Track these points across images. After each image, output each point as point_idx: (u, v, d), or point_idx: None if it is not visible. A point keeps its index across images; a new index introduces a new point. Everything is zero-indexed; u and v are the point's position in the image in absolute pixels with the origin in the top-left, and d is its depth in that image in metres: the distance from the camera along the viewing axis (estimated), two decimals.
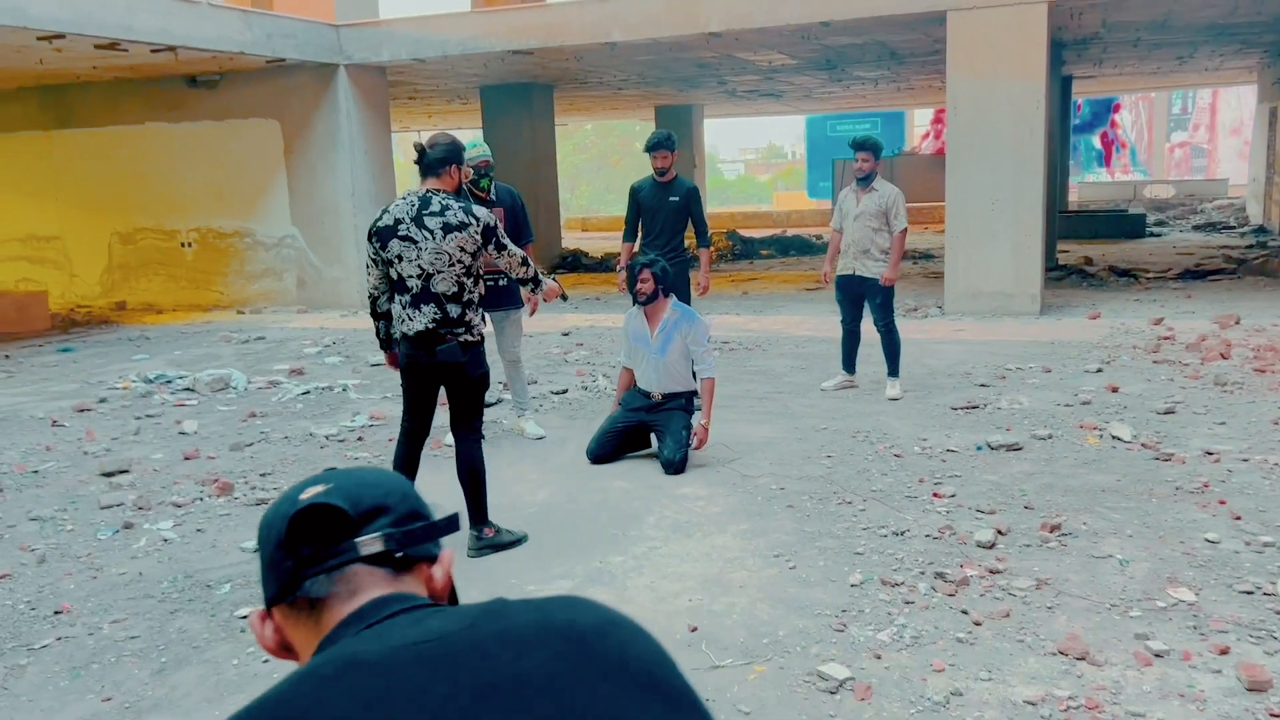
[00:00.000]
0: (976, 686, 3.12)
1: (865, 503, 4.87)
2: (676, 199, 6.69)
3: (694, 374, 5.78)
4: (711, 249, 6.94)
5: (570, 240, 23.01)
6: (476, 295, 4.15)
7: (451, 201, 4.05)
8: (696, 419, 5.68)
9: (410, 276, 4.07)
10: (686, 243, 6.98)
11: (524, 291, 5.83)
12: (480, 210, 4.09)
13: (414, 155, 4.10)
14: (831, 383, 7.25)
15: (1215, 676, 3.13)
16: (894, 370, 7.02)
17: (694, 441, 5.56)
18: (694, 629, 3.57)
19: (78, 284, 14.69)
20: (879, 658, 3.32)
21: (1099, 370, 7.57)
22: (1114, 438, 5.77)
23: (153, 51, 10.61)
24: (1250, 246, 16.25)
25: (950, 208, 10.46)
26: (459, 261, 4.03)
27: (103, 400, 7.86)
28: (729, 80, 18.39)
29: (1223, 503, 4.65)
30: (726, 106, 26.37)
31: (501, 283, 5.99)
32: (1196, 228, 21.11)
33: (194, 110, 13.52)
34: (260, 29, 11.39)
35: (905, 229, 6.75)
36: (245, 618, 3.81)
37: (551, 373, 8.43)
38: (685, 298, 6.90)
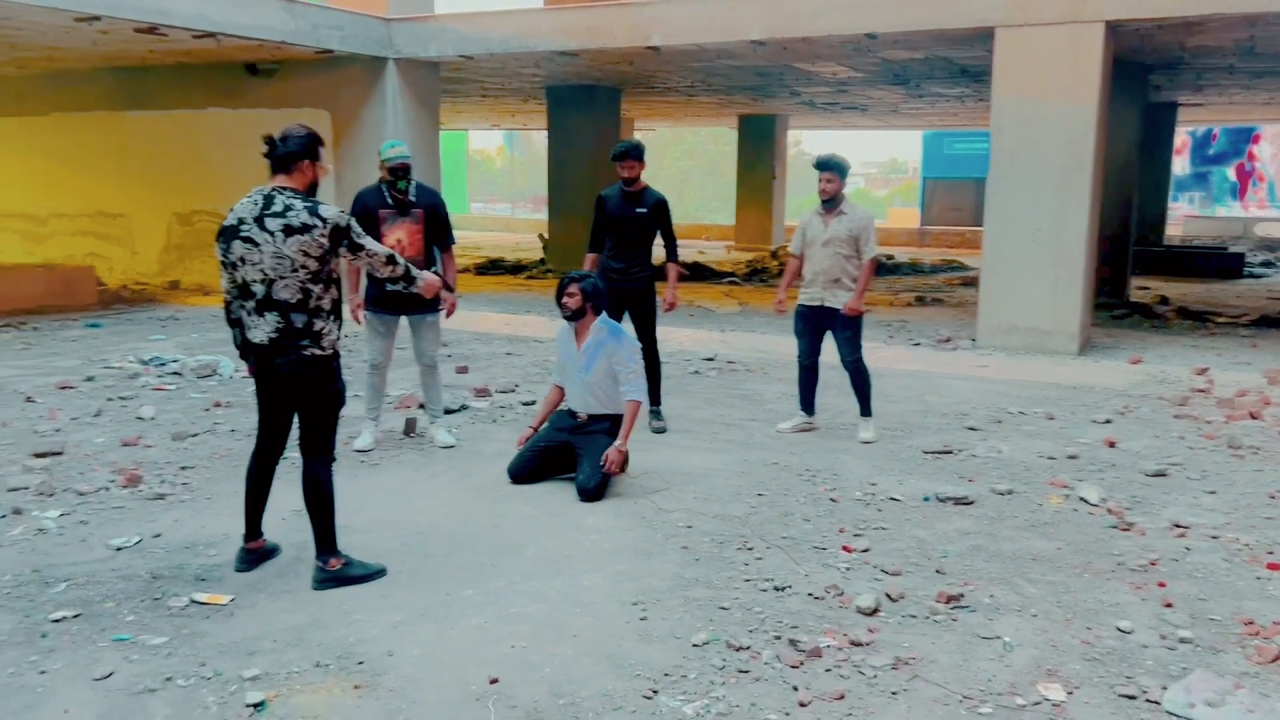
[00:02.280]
0: None
1: (768, 550, 4.49)
2: (644, 210, 6.39)
3: None
4: (679, 264, 6.55)
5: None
6: (327, 302, 3.88)
7: (296, 201, 3.80)
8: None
9: (253, 281, 3.84)
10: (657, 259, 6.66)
11: (441, 293, 5.63)
12: (329, 210, 3.83)
13: (265, 149, 3.88)
14: (788, 424, 6.71)
15: None
16: (866, 409, 6.46)
17: (604, 464, 5.23)
18: (494, 681, 3.28)
19: (139, 261, 15.13)
20: None
21: (1107, 421, 6.96)
22: (1081, 499, 5.24)
23: (194, 37, 10.78)
24: None
25: (988, 236, 9.85)
26: (302, 267, 3.78)
27: (89, 379, 7.96)
28: (801, 91, 17.92)
29: (1162, 585, 4.13)
30: (814, 119, 25.80)
31: (411, 290, 5.75)
32: None
33: (252, 98, 13.76)
34: (305, 19, 11.48)
35: (875, 256, 6.25)
36: (57, 621, 3.67)
37: (537, 381, 8.20)
38: (651, 313, 6.62)
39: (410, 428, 6.37)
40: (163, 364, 8.44)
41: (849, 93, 17.78)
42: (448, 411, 6.84)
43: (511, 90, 17.88)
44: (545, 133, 19.48)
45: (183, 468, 5.64)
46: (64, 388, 7.65)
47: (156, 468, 5.61)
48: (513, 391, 7.79)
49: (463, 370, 8.54)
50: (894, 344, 10.35)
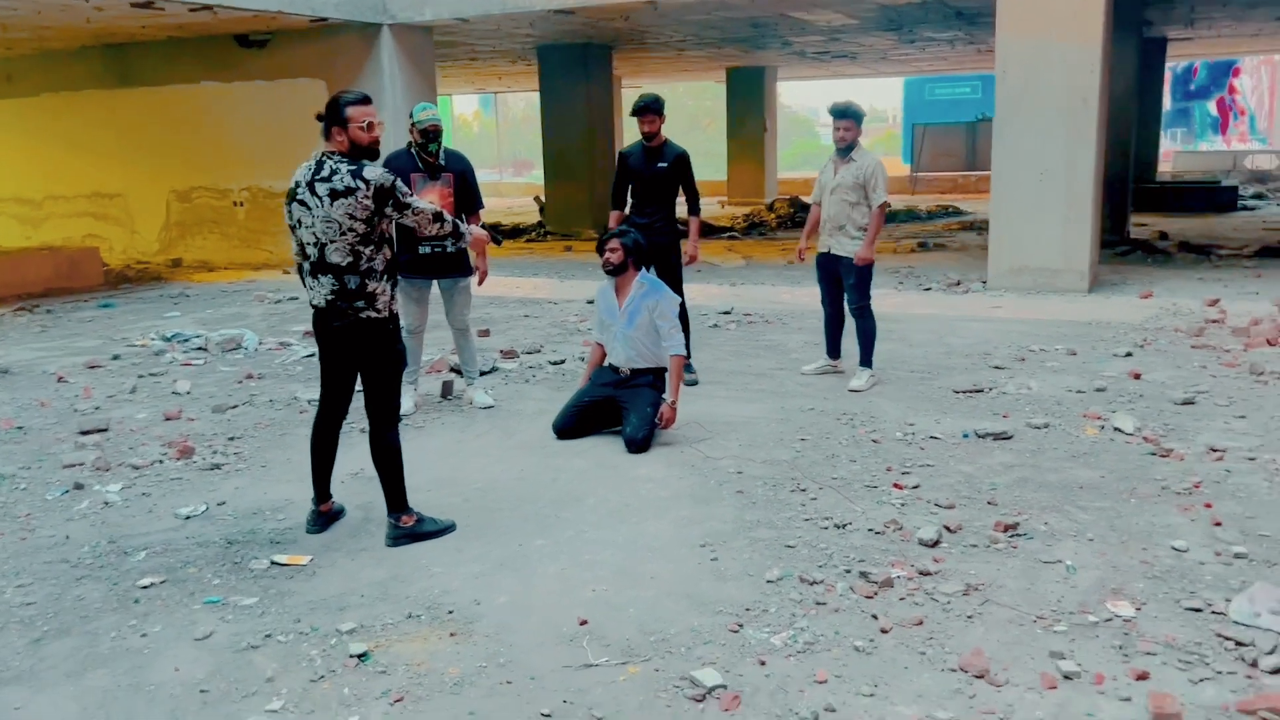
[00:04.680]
0: (854, 702, 2.88)
1: (820, 491, 4.61)
2: (665, 165, 6.43)
3: None
4: (700, 217, 6.60)
5: None
6: (380, 263, 3.93)
7: (341, 165, 3.84)
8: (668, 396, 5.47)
9: (308, 244, 3.91)
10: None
11: (473, 258, 5.68)
12: (373, 171, 3.86)
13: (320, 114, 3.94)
14: (812, 366, 6.85)
15: (1122, 705, 2.83)
16: (866, 360, 6.50)
17: (660, 421, 5.35)
18: (584, 622, 3.39)
19: (138, 241, 15.07)
20: (763, 664, 3.10)
21: (1128, 355, 7.09)
22: (1115, 429, 5.37)
23: (191, 10, 10.68)
24: None
25: (996, 178, 9.92)
26: (350, 230, 3.83)
27: (115, 357, 8.00)
28: (793, 41, 17.86)
29: (1208, 506, 4.27)
30: (802, 69, 25.69)
31: (449, 249, 5.81)
32: None
33: (246, 70, 13.66)
34: None
35: (885, 203, 6.29)
36: (146, 588, 3.77)
37: (560, 341, 8.28)
38: (677, 267, 6.68)
39: (448, 390, 6.45)
40: (186, 340, 8.47)
41: (841, 41, 17.73)
42: (481, 374, 6.91)
43: (502, 52, 17.77)
44: (524, 95, 19.40)
45: (230, 438, 5.71)
46: (92, 367, 7.68)
47: (205, 439, 5.69)
48: (538, 352, 7.87)
49: (484, 334, 8.60)
50: (905, 290, 10.45)
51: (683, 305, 6.73)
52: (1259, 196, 20.87)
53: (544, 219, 18.75)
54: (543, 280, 12.24)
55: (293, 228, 3.96)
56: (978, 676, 2.99)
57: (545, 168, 18.31)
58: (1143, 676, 2.96)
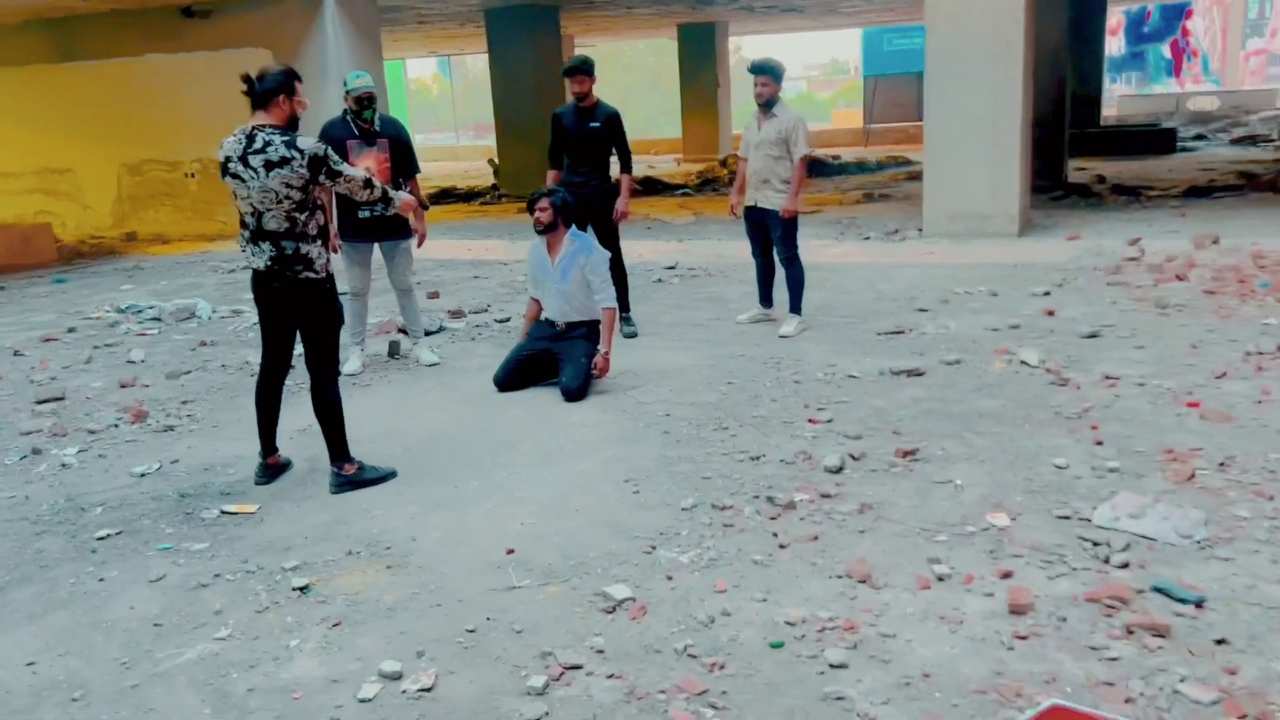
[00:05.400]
0: (748, 607, 3.21)
1: (741, 428, 4.92)
2: (597, 125, 6.65)
3: None
4: (632, 177, 6.82)
5: None
6: (313, 228, 4.17)
7: (275, 136, 4.06)
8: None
9: (246, 214, 4.14)
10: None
11: (411, 221, 5.91)
12: (306, 141, 4.09)
13: (244, 87, 4.14)
14: (746, 316, 7.16)
15: (985, 600, 3.17)
16: (796, 307, 6.78)
17: (595, 370, 5.63)
18: (510, 552, 3.69)
19: (91, 216, 15.07)
20: (670, 579, 3.42)
21: (1046, 294, 7.44)
22: (1022, 362, 5.72)
23: None
24: (1278, 161, 15.60)
25: (928, 128, 10.21)
26: (286, 198, 4.06)
27: (71, 330, 8.16)
28: None
29: (1094, 428, 4.62)
30: (753, 24, 25.80)
31: (388, 212, 6.01)
32: (1235, 141, 20.29)
33: (190, 40, 13.63)
34: None
35: (806, 156, 6.56)
36: (103, 539, 4.02)
37: (507, 301, 8.53)
38: (613, 223, 6.92)
39: (394, 350, 6.69)
40: (140, 311, 8.64)
41: None
42: (428, 333, 7.15)
43: (449, 15, 17.77)
44: (482, 57, 19.37)
45: (184, 402, 5.94)
46: (48, 340, 7.85)
47: (159, 404, 5.91)
48: (485, 311, 8.12)
49: (434, 295, 8.83)
50: (845, 240, 10.75)
51: (620, 260, 7.02)
52: (1200, 138, 21.33)
53: (498, 181, 18.85)
54: (495, 242, 12.43)
55: (234, 196, 4.18)
56: (861, 581, 3.32)
57: (497, 130, 18.39)
58: (1007, 575, 3.31)
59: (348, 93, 5.98)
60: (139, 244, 13.91)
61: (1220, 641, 2.84)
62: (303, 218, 4.15)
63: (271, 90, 4.17)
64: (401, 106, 38.01)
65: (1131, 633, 2.91)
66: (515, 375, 5.79)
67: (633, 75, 60.21)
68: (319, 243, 4.22)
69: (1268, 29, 37.24)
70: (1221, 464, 4.10)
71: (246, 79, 4.20)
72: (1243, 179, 13.23)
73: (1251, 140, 20.10)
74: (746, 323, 7.13)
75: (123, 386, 6.35)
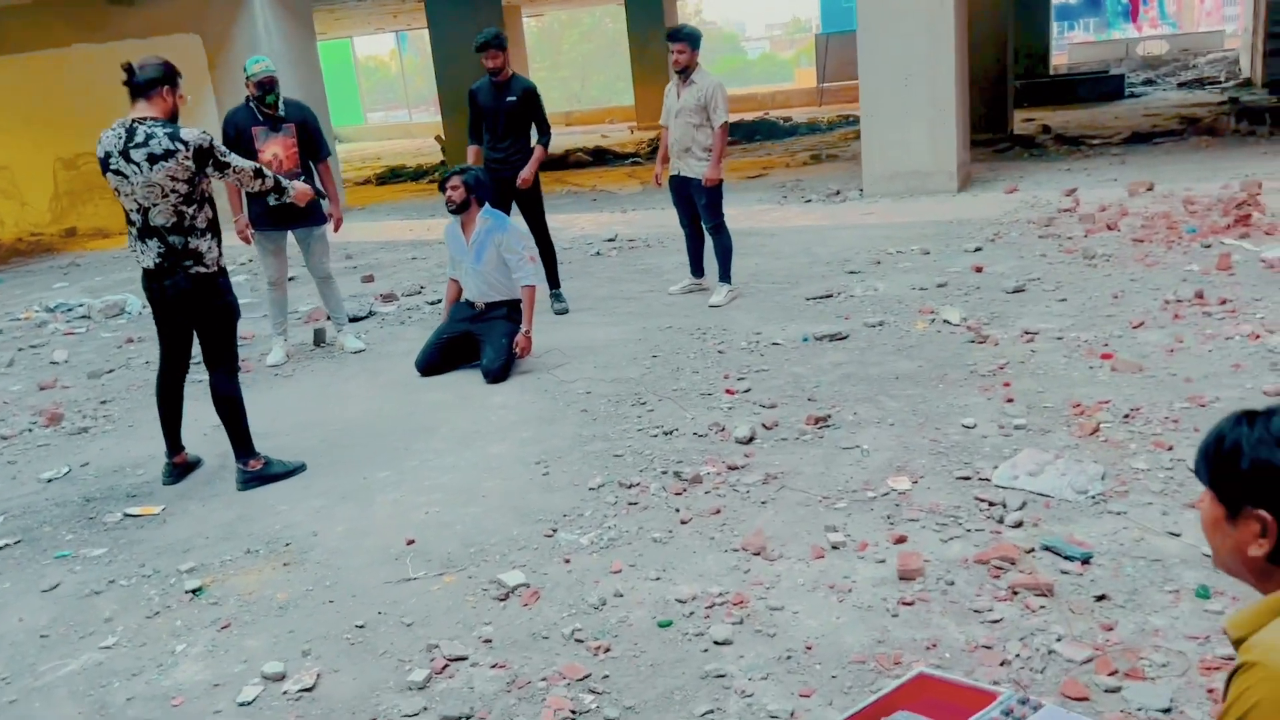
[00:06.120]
0: (641, 586, 3.19)
1: (659, 403, 4.89)
2: (514, 99, 6.55)
3: None
4: (545, 148, 6.69)
5: (555, 136, 22.58)
6: (202, 221, 4.07)
7: (157, 129, 3.96)
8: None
9: (131, 210, 4.04)
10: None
11: (326, 206, 5.80)
12: (189, 133, 3.99)
13: (132, 75, 4.02)
14: (678, 286, 7.10)
15: (876, 567, 3.16)
16: (725, 275, 6.73)
17: (516, 350, 5.57)
18: (411, 542, 3.65)
19: (29, 212, 14.79)
20: (568, 562, 3.39)
21: (978, 250, 7.43)
22: (944, 321, 5.71)
23: None
24: (1223, 103, 15.65)
25: (864, 87, 10.14)
26: (173, 191, 3.96)
27: None
28: None
29: (1006, 385, 4.62)
30: None
31: (285, 201, 5.88)
32: (1182, 85, 20.33)
33: (117, 29, 13.31)
34: None
35: (726, 123, 6.48)
36: (1, 549, 3.95)
37: (442, 281, 8.38)
38: (537, 198, 6.84)
39: (320, 339, 6.60)
40: (69, 309, 8.49)
41: None
42: (355, 319, 7.07)
43: None
44: None
45: (102, 402, 5.84)
46: None
47: (76, 405, 5.81)
48: (419, 293, 8.03)
49: (369, 279, 8.73)
50: (788, 203, 10.69)
51: (547, 237, 6.95)
52: (1149, 83, 21.34)
53: (446, 158, 18.63)
54: (437, 221, 12.26)
55: (114, 191, 4.07)
56: (755, 554, 3.31)
57: (441, 105, 18.15)
58: (901, 540, 3.30)
59: (248, 79, 5.84)
60: (78, 240, 13.68)
61: (1100, 598, 2.85)
62: (190, 211, 4.06)
63: (155, 80, 4.07)
64: (351, 85, 37.49)
65: (1016, 594, 2.91)
66: (437, 359, 5.72)
67: (591, 43, 59.58)
68: (209, 236, 4.12)
69: None
70: (1126, 416, 4.11)
71: (127, 67, 4.08)
72: (1184, 123, 13.26)
73: (1199, 83, 20.14)
74: (678, 293, 7.09)
75: (42, 389, 6.24)
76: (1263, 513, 1.33)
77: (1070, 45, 28.82)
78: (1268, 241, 6.64)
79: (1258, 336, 4.86)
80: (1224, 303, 5.45)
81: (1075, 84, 19.42)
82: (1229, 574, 1.44)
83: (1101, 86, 18.92)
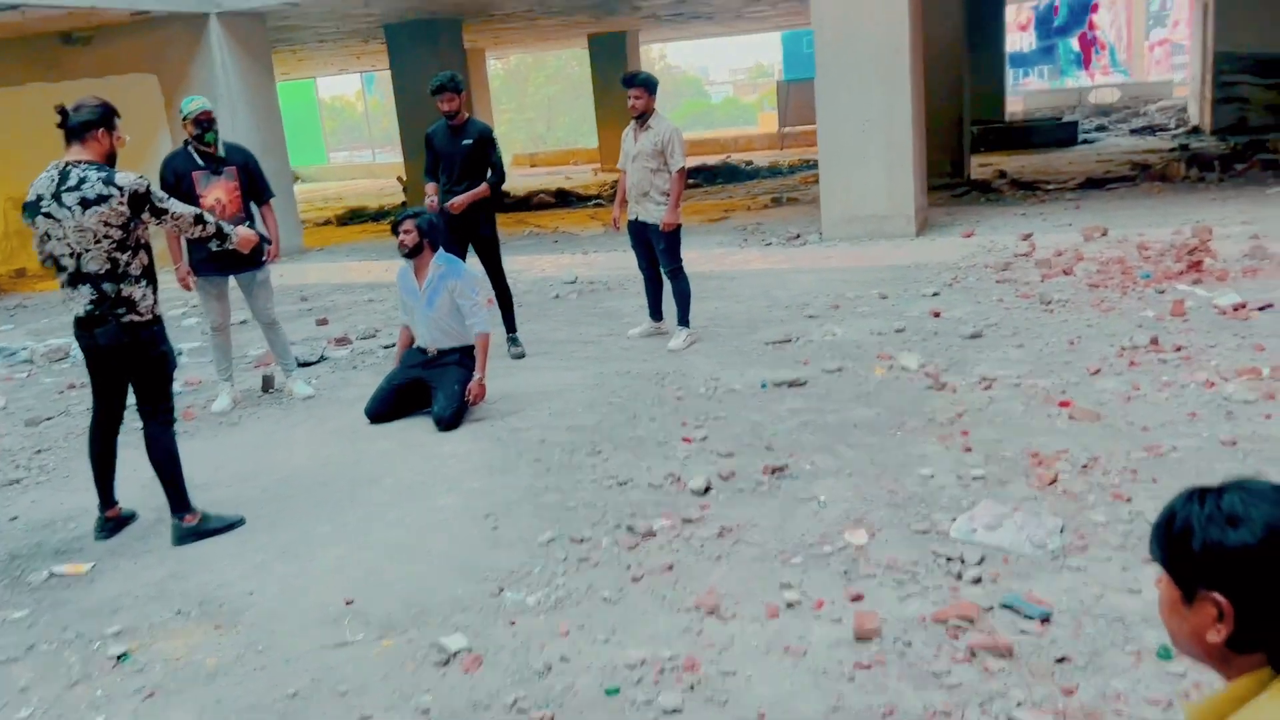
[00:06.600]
0: (589, 650, 3.06)
1: (615, 451, 4.78)
2: (469, 142, 6.48)
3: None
4: (490, 186, 6.54)
5: (518, 177, 22.56)
6: (137, 268, 3.93)
7: (91, 172, 3.83)
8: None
9: (62, 256, 3.89)
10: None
11: (265, 250, 5.67)
12: (126, 177, 3.86)
13: (66, 117, 3.90)
14: (637, 330, 7.03)
15: (833, 626, 3.06)
16: (683, 319, 6.66)
17: (469, 397, 5.44)
18: (349, 602, 3.50)
19: None
20: (513, 624, 3.26)
21: (935, 294, 7.43)
22: (902, 368, 5.66)
23: None
24: (1173, 150, 15.95)
25: (822, 132, 10.20)
26: (105, 237, 3.82)
27: None
28: (641, 5, 17.92)
29: (965, 433, 4.56)
30: (663, 31, 25.80)
31: (226, 247, 5.72)
32: (1134, 131, 20.74)
33: (72, 68, 13.14)
34: None
35: (683, 168, 6.45)
36: None
37: (398, 325, 8.27)
38: (493, 242, 6.74)
39: (268, 384, 6.43)
40: (12, 354, 8.24)
41: (689, 1, 17.86)
42: (306, 364, 6.91)
43: (349, 32, 17.44)
44: None
45: (38, 451, 5.63)
46: None
47: (10, 455, 5.59)
48: (373, 337, 7.88)
49: (323, 322, 8.57)
50: (748, 246, 10.68)
51: (504, 282, 6.85)
52: (1101, 129, 21.76)
53: (407, 199, 18.53)
54: (395, 262, 12.07)
55: (40, 239, 3.92)
56: (710, 613, 3.19)
57: (403, 145, 18.05)
58: (858, 598, 3.20)
59: (185, 119, 5.68)
60: (27, 280, 13.37)
61: (1061, 660, 2.76)
62: (124, 258, 3.91)
63: (90, 123, 3.95)
64: (314, 125, 37.36)
65: (974, 655, 2.82)
66: (387, 406, 5.58)
67: (556, 85, 59.96)
68: (144, 283, 3.97)
69: (1169, 19, 38.40)
70: (1085, 465, 4.06)
71: (60, 110, 3.96)
72: (1137, 169, 13.47)
73: (1150, 130, 20.56)
74: (637, 337, 7.01)
75: None
76: (1218, 596, 1.25)
77: (1025, 92, 29.41)
78: (1220, 288, 6.68)
79: (1212, 384, 4.86)
80: (1179, 349, 5.45)
81: (1030, 130, 19.75)
82: (1190, 658, 1.35)
83: (1056, 133, 19.25)
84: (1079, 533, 3.50)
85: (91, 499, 4.64)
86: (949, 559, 3.38)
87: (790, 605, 3.20)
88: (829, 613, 3.14)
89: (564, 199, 17.58)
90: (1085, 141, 19.33)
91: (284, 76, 24.24)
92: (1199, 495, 1.31)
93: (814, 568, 3.44)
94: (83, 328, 3.97)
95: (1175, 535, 1.30)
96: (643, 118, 6.41)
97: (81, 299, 3.91)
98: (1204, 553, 1.26)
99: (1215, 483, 1.33)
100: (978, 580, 3.24)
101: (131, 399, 4.20)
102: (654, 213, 6.50)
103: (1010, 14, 23.61)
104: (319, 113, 38.98)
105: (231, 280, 5.98)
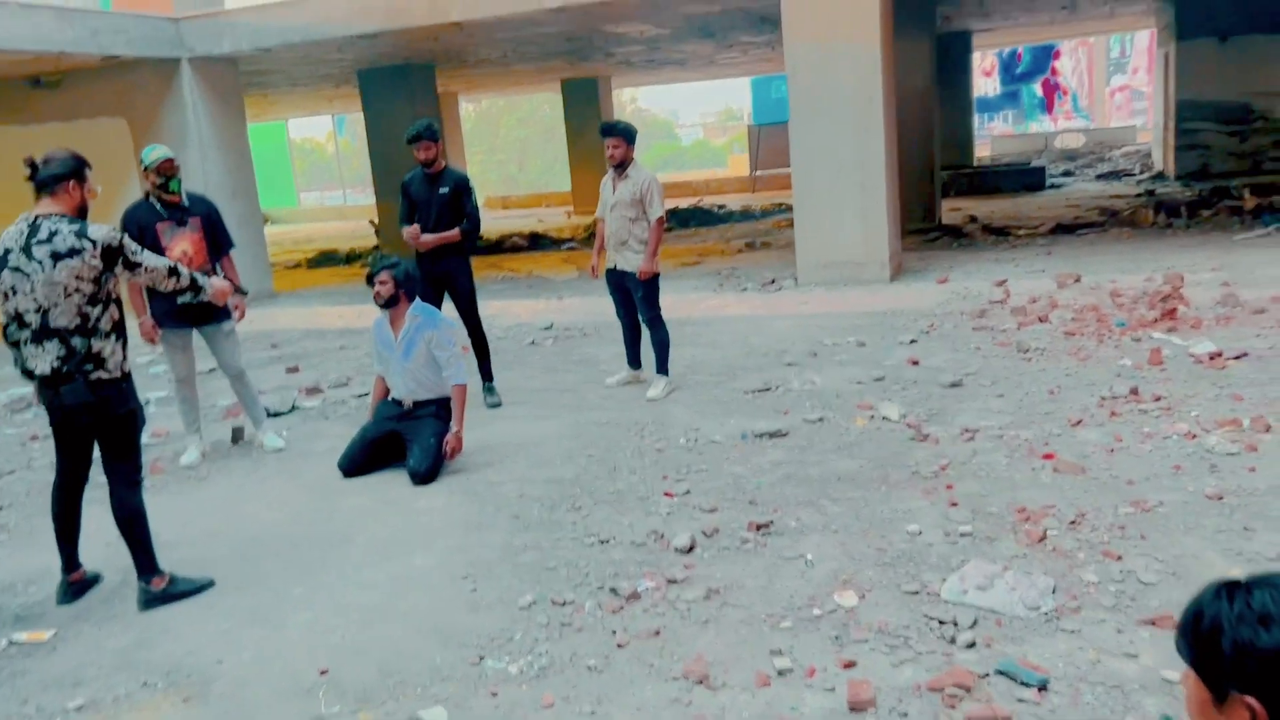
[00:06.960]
0: None
1: (595, 505, 4.69)
2: (446, 190, 6.43)
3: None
4: (463, 233, 6.47)
5: (490, 220, 22.50)
6: (107, 323, 3.82)
7: (62, 225, 3.73)
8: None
9: (27, 311, 3.77)
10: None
11: (229, 302, 5.55)
12: (99, 230, 3.76)
13: (35, 171, 3.81)
14: (615, 379, 6.97)
15: (825, 695, 2.97)
16: (662, 368, 6.62)
17: (445, 451, 5.33)
18: (324, 672, 3.37)
19: None
20: (495, 695, 3.14)
21: (913, 342, 7.43)
22: (884, 418, 5.62)
23: None
24: (1139, 195, 16.20)
25: (796, 178, 10.25)
26: (77, 290, 3.71)
27: None
28: (616, 52, 18.06)
29: (950, 487, 4.52)
30: (635, 76, 26.02)
31: (200, 300, 5.61)
32: (1100, 176, 21.07)
33: (41, 112, 13.01)
34: (83, 26, 10.92)
35: (662, 217, 6.44)
36: None
37: (371, 373, 8.15)
38: (469, 292, 6.68)
39: (237, 436, 6.29)
40: None
41: (662, 49, 18.01)
42: (276, 414, 6.78)
43: (321, 76, 17.41)
44: None
45: None
46: None
47: None
48: (345, 385, 7.77)
49: (294, 370, 8.44)
50: (723, 291, 10.68)
51: (480, 330, 6.77)
52: (1068, 174, 22.10)
53: (380, 243, 18.44)
54: (368, 308, 11.96)
55: (3, 294, 3.80)
56: (698, 682, 3.10)
57: (376, 189, 18.02)
58: (850, 665, 3.12)
59: (146, 169, 5.58)
60: None
61: None
62: (95, 312, 3.80)
63: (60, 176, 3.85)
64: (285, 167, 37.27)
65: None
66: (361, 459, 5.46)
67: (529, 128, 60.25)
68: (113, 338, 3.86)
69: (1129, 66, 39.31)
70: (1073, 521, 4.02)
71: (30, 163, 3.87)
72: (1105, 214, 13.64)
73: (1116, 175, 20.90)
74: (615, 385, 6.94)
75: None
76: (1251, 700, 1.19)
77: (992, 137, 29.87)
78: (1194, 336, 6.72)
79: (1194, 436, 4.85)
80: (1158, 399, 5.45)
81: (999, 175, 20.02)
82: None
83: (1024, 178, 19.52)
84: (1071, 593, 3.44)
85: (54, 559, 4.48)
86: (941, 622, 3.31)
87: (781, 673, 3.11)
88: (821, 681, 3.05)
89: (537, 242, 17.57)
90: (1053, 186, 19.61)
91: (255, 119, 24.17)
92: (1227, 591, 1.26)
93: (804, 632, 3.36)
94: (47, 385, 3.84)
95: (1204, 634, 1.25)
96: (621, 166, 6.39)
97: (48, 355, 3.78)
98: (1235, 653, 1.21)
99: (1240, 576, 1.28)
100: (971, 644, 3.17)
101: (98, 455, 4.06)
102: (633, 261, 6.46)
103: (975, 59, 24.01)
104: (289, 154, 38.88)
105: (195, 333, 5.85)
